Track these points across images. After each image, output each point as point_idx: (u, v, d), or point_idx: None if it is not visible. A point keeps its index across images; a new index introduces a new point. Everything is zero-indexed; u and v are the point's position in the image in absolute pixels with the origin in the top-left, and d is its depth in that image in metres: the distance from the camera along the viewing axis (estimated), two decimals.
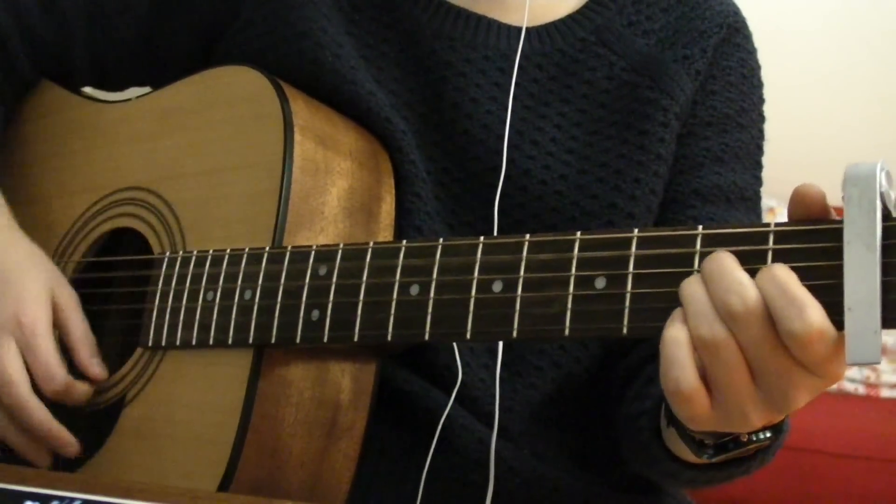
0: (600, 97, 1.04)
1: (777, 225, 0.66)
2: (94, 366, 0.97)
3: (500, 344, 0.98)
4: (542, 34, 1.06)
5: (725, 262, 0.66)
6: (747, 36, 1.13)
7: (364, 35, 1.05)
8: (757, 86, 1.13)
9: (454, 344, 0.98)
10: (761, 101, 1.13)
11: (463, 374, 0.97)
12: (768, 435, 0.78)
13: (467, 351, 0.98)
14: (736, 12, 1.13)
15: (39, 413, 0.94)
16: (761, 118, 1.13)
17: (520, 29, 1.06)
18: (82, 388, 0.96)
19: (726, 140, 1.07)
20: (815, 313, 0.63)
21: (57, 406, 1.01)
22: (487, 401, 0.98)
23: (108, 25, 1.12)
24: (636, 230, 0.71)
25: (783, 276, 0.64)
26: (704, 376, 0.69)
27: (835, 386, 3.38)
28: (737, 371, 0.67)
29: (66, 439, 0.95)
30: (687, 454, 0.83)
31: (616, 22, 1.08)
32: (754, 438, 0.78)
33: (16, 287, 0.96)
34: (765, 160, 1.13)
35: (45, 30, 1.12)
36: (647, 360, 0.98)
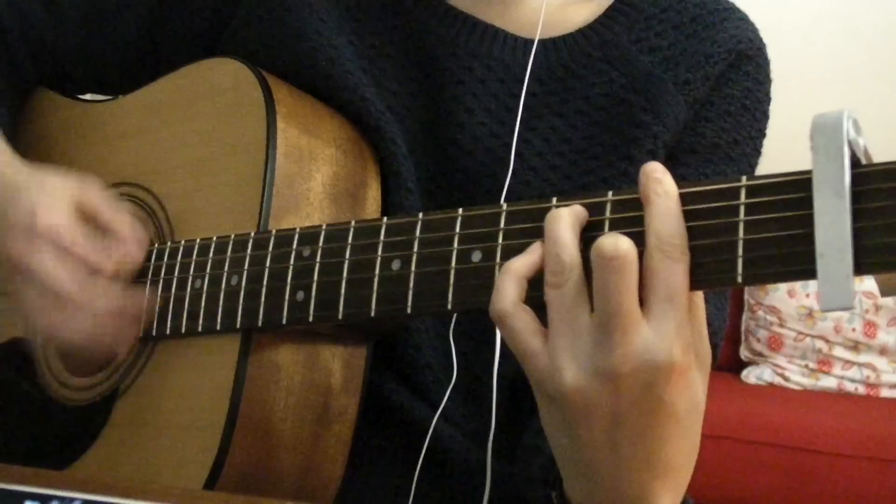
0: (594, 114, 1.01)
1: (749, 179, 0.66)
2: (132, 235, 0.95)
3: (497, 345, 0.97)
4: (548, 47, 1.04)
5: (559, 225, 0.71)
6: (760, 64, 1.07)
7: (369, 36, 1.04)
8: (759, 119, 1.07)
9: (430, 361, 0.98)
10: (760, 134, 1.08)
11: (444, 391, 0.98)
12: None
13: (447, 374, 0.98)
14: (751, 39, 1.06)
15: (106, 299, 0.92)
16: (755, 152, 1.07)
17: (526, 40, 1.04)
18: (132, 254, 0.95)
19: (707, 171, 1.03)
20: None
21: (49, 402, 1.02)
22: (466, 416, 0.99)
23: (105, 25, 1.13)
24: (610, 193, 0.72)
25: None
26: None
27: (835, 386, 3.39)
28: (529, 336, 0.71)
29: (141, 301, 0.94)
30: None
31: (624, 38, 1.04)
32: None
33: (28, 198, 0.93)
34: (765, 159, 1.08)
35: (45, 27, 1.13)
36: None
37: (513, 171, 0.99)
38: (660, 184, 0.69)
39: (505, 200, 0.98)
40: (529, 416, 0.98)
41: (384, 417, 0.98)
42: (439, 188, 1.02)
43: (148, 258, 0.97)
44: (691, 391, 0.69)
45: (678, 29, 1.05)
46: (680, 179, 0.98)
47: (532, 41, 1.04)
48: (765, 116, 1.08)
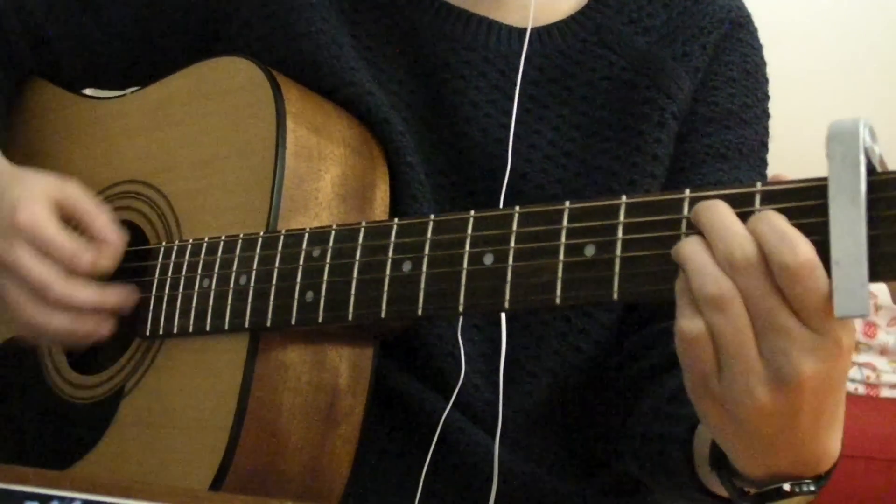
0: (599, 98, 1.03)
1: (763, 185, 0.66)
2: (111, 232, 0.97)
3: (503, 347, 0.98)
4: (542, 35, 1.06)
5: (724, 215, 0.66)
6: (751, 31, 1.12)
7: (366, 36, 1.05)
8: (762, 82, 1.11)
9: (453, 350, 0.98)
10: (766, 97, 1.12)
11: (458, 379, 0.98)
12: (812, 489, 0.75)
13: (464, 355, 0.98)
14: (739, 7, 1.12)
15: (85, 293, 0.95)
16: (766, 115, 1.11)
17: (520, 30, 1.05)
18: (109, 250, 0.96)
19: (729, 137, 1.06)
20: (806, 248, 0.63)
21: (55, 401, 1.01)
22: (481, 407, 0.98)
23: (100, 15, 1.12)
24: (624, 197, 0.71)
25: (774, 217, 0.65)
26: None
27: None
28: (743, 332, 0.66)
29: (123, 297, 0.96)
30: (719, 489, 0.82)
31: (617, 21, 1.06)
32: (797, 490, 0.75)
33: (9, 194, 0.96)
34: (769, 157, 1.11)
35: (40, 15, 1.12)
36: (663, 370, 0.96)
37: (527, 160, 1.01)
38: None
39: (522, 190, 1.00)
40: (579, 408, 1.02)
41: (395, 409, 0.98)
42: (452, 183, 1.02)
43: (155, 256, 0.97)
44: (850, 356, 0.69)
45: (668, 7, 1.08)
46: (706, 149, 1.04)
47: (526, 30, 1.05)
48: (766, 80, 1.12)
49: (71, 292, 0.94)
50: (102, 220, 0.97)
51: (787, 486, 0.74)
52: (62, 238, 0.94)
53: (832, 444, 0.73)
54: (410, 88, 1.04)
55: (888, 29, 3.44)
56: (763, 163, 1.10)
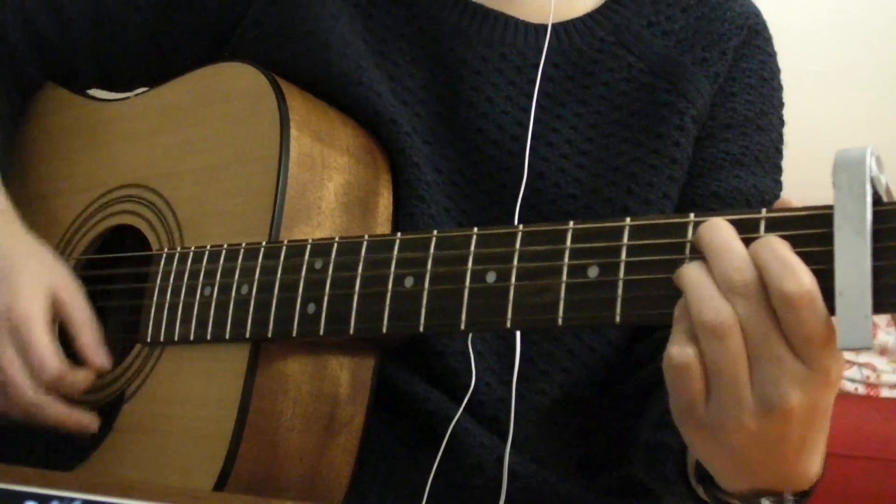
0: (617, 99, 1.03)
1: (769, 211, 0.66)
2: (95, 353, 0.96)
3: (518, 350, 0.97)
4: (559, 32, 1.05)
5: (725, 235, 0.66)
6: (767, 38, 1.13)
7: (381, 31, 1.05)
8: (777, 89, 1.12)
9: (464, 349, 0.97)
10: (781, 104, 1.12)
11: (469, 377, 0.97)
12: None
13: (475, 354, 0.98)
14: (757, 14, 1.12)
15: (51, 409, 0.94)
16: (781, 122, 1.12)
17: (538, 26, 1.05)
18: (79, 376, 0.95)
19: (746, 143, 1.06)
20: (807, 277, 0.63)
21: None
22: (493, 405, 0.98)
23: (113, 28, 1.12)
24: (628, 219, 0.71)
25: (777, 243, 0.64)
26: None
27: None
28: (739, 361, 0.65)
29: (84, 424, 0.96)
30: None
31: (635, 22, 1.07)
32: None
33: (10, 282, 0.95)
34: None
35: (51, 32, 1.12)
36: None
37: (545, 158, 1.01)
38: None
39: (539, 188, 1.00)
40: (590, 410, 1.02)
41: (404, 410, 0.98)
42: (466, 180, 1.02)
43: (157, 262, 0.96)
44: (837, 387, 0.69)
45: (686, 11, 1.08)
46: (724, 155, 1.04)
47: (544, 26, 1.05)
48: (780, 87, 1.13)
49: (36, 401, 0.94)
50: (88, 338, 0.97)
51: (767, 502, 0.75)
52: (41, 345, 0.94)
53: (813, 467, 0.74)
54: (425, 84, 1.04)
55: (888, 30, 3.43)
56: (778, 169, 1.10)
